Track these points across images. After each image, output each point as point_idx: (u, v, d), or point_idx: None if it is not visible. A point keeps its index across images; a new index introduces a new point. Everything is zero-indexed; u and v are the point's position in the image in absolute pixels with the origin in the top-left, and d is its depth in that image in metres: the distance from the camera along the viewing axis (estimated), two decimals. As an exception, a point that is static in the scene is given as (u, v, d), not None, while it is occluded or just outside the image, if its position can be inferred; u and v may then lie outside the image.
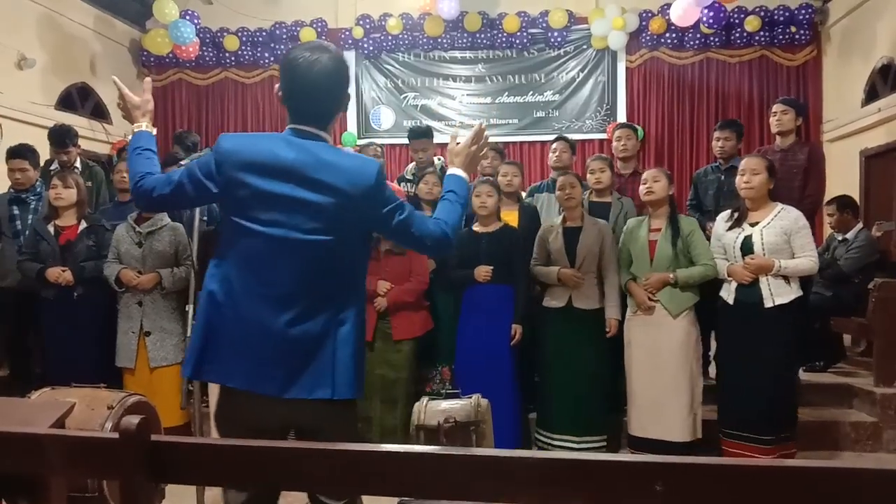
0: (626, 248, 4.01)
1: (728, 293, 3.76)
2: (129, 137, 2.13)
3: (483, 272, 4.00)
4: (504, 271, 4.01)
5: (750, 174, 3.69)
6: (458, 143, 2.18)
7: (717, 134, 4.79)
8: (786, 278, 3.63)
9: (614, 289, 3.99)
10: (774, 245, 3.62)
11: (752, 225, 3.71)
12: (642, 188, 3.94)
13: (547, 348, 4.08)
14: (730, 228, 3.78)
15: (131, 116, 2.16)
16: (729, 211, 3.87)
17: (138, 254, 3.99)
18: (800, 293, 3.66)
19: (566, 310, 3.99)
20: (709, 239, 3.96)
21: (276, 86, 2.02)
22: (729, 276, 3.74)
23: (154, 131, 2.16)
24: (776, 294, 3.61)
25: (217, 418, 2.03)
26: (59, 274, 3.98)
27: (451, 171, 2.17)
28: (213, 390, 4.44)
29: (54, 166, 5.21)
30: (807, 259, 3.62)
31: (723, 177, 4.68)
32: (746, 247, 3.68)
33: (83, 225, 4.13)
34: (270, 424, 1.91)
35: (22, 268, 4.13)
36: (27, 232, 4.45)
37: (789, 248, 3.64)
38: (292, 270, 1.88)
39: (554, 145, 5.06)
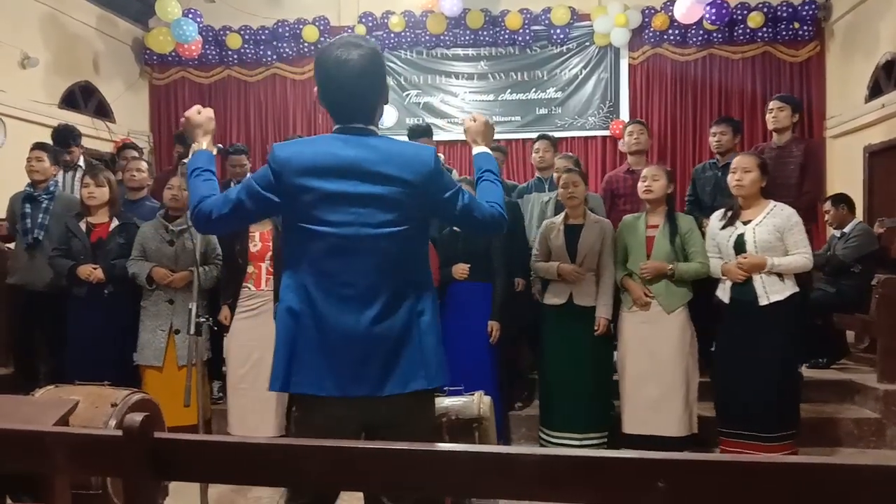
0: (622, 244, 4.02)
1: (724, 292, 3.78)
2: (189, 157, 2.09)
3: (460, 270, 4.02)
4: (483, 268, 4.02)
5: (741, 172, 3.70)
6: (473, 122, 2.23)
7: (713, 129, 4.80)
8: (779, 275, 3.63)
9: (608, 288, 4.00)
10: (766, 243, 3.63)
11: (745, 223, 3.72)
12: (641, 185, 3.96)
13: (547, 345, 4.09)
14: (723, 227, 3.80)
15: (192, 134, 2.12)
16: (723, 210, 3.89)
17: (171, 252, 3.99)
18: (795, 289, 3.65)
19: (567, 307, 4.00)
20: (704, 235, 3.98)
21: (315, 88, 1.99)
22: (723, 274, 3.76)
23: (214, 151, 2.12)
24: (770, 291, 3.62)
25: (300, 429, 1.95)
26: (91, 271, 3.99)
27: (477, 150, 2.21)
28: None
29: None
30: (800, 256, 3.62)
31: (720, 173, 4.68)
32: (739, 245, 3.70)
33: (115, 223, 4.15)
34: (353, 426, 1.89)
35: (53, 264, 4.15)
36: (35, 230, 4.46)
37: (782, 246, 3.64)
38: (369, 266, 1.87)
39: (536, 144, 5.05)
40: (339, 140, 1.92)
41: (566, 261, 4.01)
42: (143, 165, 4.77)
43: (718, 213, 3.89)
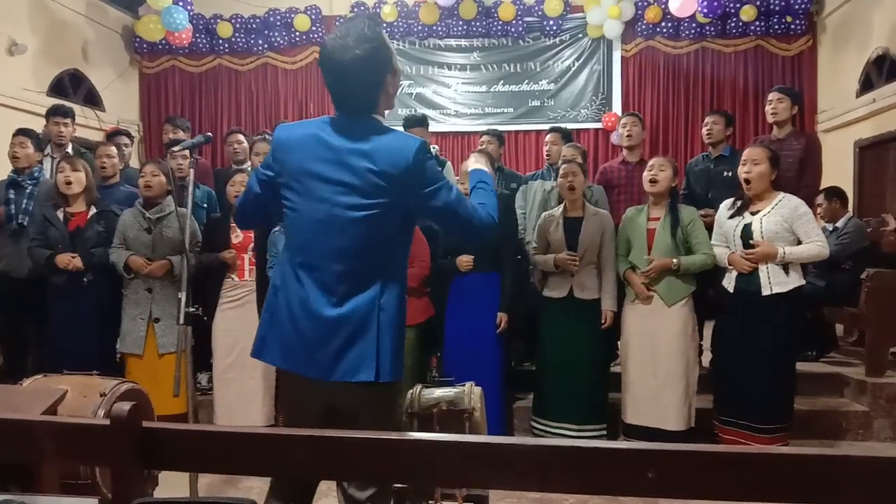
0: (624, 237, 4.00)
1: (729, 281, 3.77)
2: None
3: (464, 261, 4.01)
4: (490, 259, 4.01)
5: (751, 164, 3.69)
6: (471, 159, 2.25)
7: (707, 119, 4.83)
8: (785, 268, 3.62)
9: (611, 281, 3.99)
10: (773, 233, 3.62)
11: (754, 213, 3.71)
12: (646, 175, 3.92)
13: (547, 338, 4.08)
14: (732, 216, 3.78)
15: None
16: (732, 199, 3.87)
17: (147, 240, 3.97)
18: (801, 282, 3.65)
19: (566, 300, 3.99)
20: (708, 228, 3.96)
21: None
22: (729, 264, 3.74)
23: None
24: (774, 283, 3.61)
25: (279, 396, 2.11)
26: (69, 260, 3.97)
27: (473, 168, 2.18)
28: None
29: (47, 150, 5.16)
30: (814, 244, 3.59)
31: (712, 165, 4.68)
32: (746, 234, 3.69)
33: (93, 211, 4.11)
34: (315, 405, 1.96)
35: (31, 254, 4.12)
36: (20, 216, 4.42)
37: (790, 237, 3.63)
38: (336, 250, 1.90)
39: (547, 137, 5.06)
40: (328, 124, 1.96)
41: None
42: (113, 151, 4.75)
43: (727, 203, 3.88)
